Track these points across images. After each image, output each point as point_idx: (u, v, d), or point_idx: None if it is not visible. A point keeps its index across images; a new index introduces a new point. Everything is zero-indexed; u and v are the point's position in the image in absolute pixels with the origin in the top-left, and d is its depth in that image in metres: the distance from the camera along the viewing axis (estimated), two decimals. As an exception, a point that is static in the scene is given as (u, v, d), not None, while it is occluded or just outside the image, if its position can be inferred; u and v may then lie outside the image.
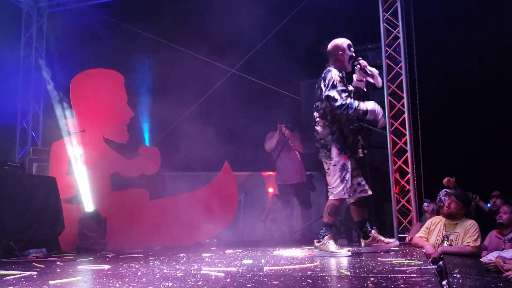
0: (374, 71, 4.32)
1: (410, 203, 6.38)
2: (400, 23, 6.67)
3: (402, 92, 6.60)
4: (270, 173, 7.76)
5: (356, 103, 4.13)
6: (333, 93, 4.16)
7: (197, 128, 6.83)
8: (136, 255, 4.61)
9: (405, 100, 6.57)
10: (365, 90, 4.49)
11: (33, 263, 3.89)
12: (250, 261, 3.75)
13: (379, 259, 3.79)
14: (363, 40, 7.33)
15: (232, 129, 7.31)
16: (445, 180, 5.56)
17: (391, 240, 4.59)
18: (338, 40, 4.45)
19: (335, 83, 4.19)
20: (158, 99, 7.43)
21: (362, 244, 4.55)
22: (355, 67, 4.36)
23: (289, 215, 6.93)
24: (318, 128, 4.34)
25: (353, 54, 4.39)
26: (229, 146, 6.99)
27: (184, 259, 4.10)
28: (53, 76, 8.02)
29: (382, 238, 4.53)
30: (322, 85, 4.29)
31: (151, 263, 3.78)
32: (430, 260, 3.98)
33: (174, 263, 3.73)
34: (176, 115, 7.92)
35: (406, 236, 5.80)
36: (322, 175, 6.32)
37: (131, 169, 6.69)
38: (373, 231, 4.52)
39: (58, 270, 3.48)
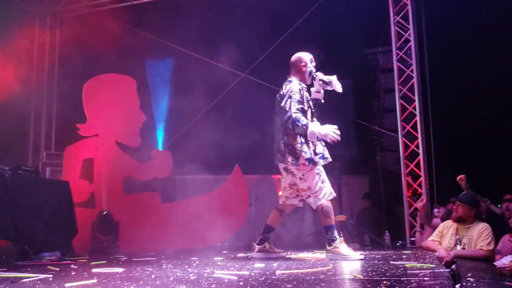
0: (331, 77, 4.41)
1: (422, 206, 6.33)
2: (411, 26, 6.66)
3: (414, 95, 6.58)
4: (280, 176, 7.74)
5: (304, 121, 4.18)
6: (288, 104, 4.25)
7: (208, 131, 6.85)
8: (149, 258, 4.64)
9: (416, 103, 6.55)
10: (323, 101, 4.54)
11: (48, 266, 3.93)
12: (262, 265, 3.76)
13: (391, 262, 3.78)
14: (374, 44, 7.34)
15: (243, 132, 7.33)
16: (458, 178, 5.53)
17: (281, 251, 4.68)
18: (301, 53, 4.59)
19: (291, 94, 4.28)
20: (170, 103, 7.48)
21: (255, 249, 4.56)
22: (314, 80, 4.45)
23: (300, 219, 6.92)
24: (285, 137, 4.35)
25: (314, 69, 4.50)
26: (239, 149, 7.00)
27: (197, 262, 4.12)
28: (66, 81, 8.13)
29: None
30: (282, 92, 4.38)
31: (164, 266, 3.80)
32: (443, 263, 3.96)
33: (186, 266, 3.75)
34: (187, 119, 7.96)
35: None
36: (333, 178, 6.31)
37: (143, 173, 6.74)
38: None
39: (72, 273, 3.51)
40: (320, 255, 4.61)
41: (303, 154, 4.24)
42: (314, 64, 4.55)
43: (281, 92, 4.38)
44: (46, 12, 8.58)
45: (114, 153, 6.54)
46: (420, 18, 6.81)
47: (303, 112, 4.26)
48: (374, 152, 7.97)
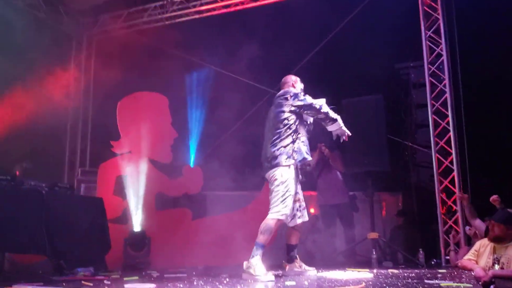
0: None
1: (457, 224, 6.18)
2: (443, 41, 6.58)
3: (447, 110, 6.46)
4: (312, 193, 7.71)
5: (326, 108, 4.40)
6: (307, 99, 4.36)
7: (238, 148, 6.89)
8: (180, 275, 4.67)
9: (450, 118, 6.43)
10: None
11: (82, 282, 3.99)
12: (293, 283, 3.73)
13: (426, 281, 3.68)
14: (405, 58, 7.27)
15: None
16: (491, 198, 5.37)
17: (311, 268, 4.58)
18: (290, 75, 4.75)
19: (294, 93, 4.42)
20: (203, 119, 7.58)
21: (286, 267, 4.63)
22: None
23: (332, 236, 6.83)
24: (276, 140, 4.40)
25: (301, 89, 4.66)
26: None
27: (227, 279, 4.12)
28: (101, 99, 8.36)
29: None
30: (283, 100, 4.41)
31: (195, 283, 3.81)
32: (481, 283, 3.83)
33: (217, 283, 3.75)
34: (218, 135, 8.04)
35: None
36: (365, 195, 6.23)
37: (174, 189, 6.82)
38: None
39: (105, 289, 3.56)
40: (352, 273, 4.53)
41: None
42: (303, 86, 4.73)
43: (277, 101, 4.46)
44: (82, 33, 8.88)
45: (146, 169, 6.64)
46: (452, 32, 6.72)
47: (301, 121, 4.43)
48: (407, 169, 7.84)
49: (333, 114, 4.39)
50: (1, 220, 4.28)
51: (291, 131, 4.33)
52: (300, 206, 4.46)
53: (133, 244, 6.02)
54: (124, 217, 6.56)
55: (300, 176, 4.46)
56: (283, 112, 4.36)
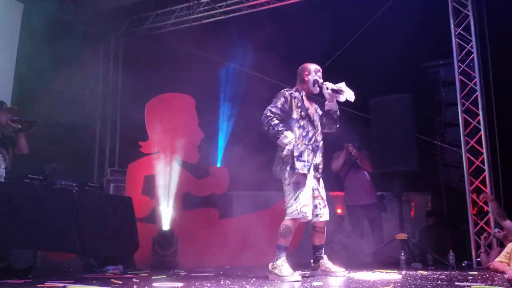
0: (340, 84, 4.28)
1: (489, 225, 6.04)
2: (473, 38, 6.43)
3: (478, 109, 6.32)
4: (339, 193, 7.65)
5: (279, 126, 4.12)
6: (268, 110, 4.22)
7: (265, 147, 6.89)
8: (207, 274, 4.70)
9: (481, 117, 6.28)
10: (338, 113, 4.44)
11: (111, 280, 4.06)
12: (320, 283, 3.71)
13: (457, 283, 3.61)
14: (435, 57, 7.14)
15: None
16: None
17: (340, 269, 4.43)
18: (307, 63, 4.51)
19: (274, 99, 4.28)
20: (229, 120, 7.62)
21: (312, 267, 4.54)
22: (322, 90, 4.33)
23: (359, 236, 6.76)
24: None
25: (319, 79, 4.38)
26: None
27: (254, 279, 4.12)
28: (129, 100, 8.49)
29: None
30: None
31: (222, 282, 3.83)
32: (514, 286, 3.74)
33: (244, 283, 3.76)
34: (244, 135, 8.06)
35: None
36: (394, 195, 6.15)
37: (201, 189, 6.89)
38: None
39: (134, 287, 3.61)
40: (380, 274, 4.48)
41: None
42: (320, 74, 4.44)
43: None
44: (110, 35, 9.03)
45: (173, 170, 6.72)
46: (482, 29, 6.57)
47: (284, 119, 4.20)
48: (436, 168, 7.69)
49: (275, 132, 4.13)
50: (33, 219, 4.40)
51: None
52: (319, 204, 4.30)
53: (161, 243, 6.10)
54: (152, 217, 6.65)
55: (314, 172, 4.27)
56: None
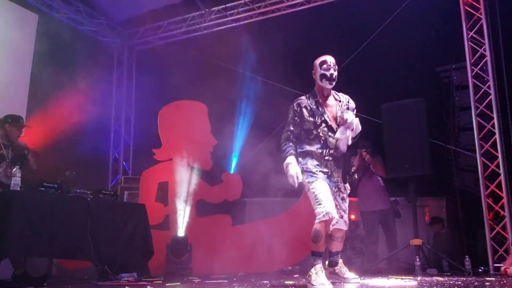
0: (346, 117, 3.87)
1: (505, 230, 5.96)
2: (486, 41, 6.38)
3: (492, 113, 6.26)
4: (352, 199, 7.61)
5: (285, 147, 3.97)
6: (287, 126, 4.08)
7: (277, 153, 6.90)
8: (221, 281, 4.70)
9: (495, 121, 6.22)
10: (351, 140, 3.98)
11: (126, 287, 4.09)
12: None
13: (473, 290, 3.57)
14: (447, 61, 7.09)
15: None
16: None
17: (354, 276, 4.32)
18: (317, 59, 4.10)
19: (288, 120, 4.09)
20: (243, 126, 7.64)
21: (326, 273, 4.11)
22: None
23: (373, 242, 6.72)
24: None
25: (326, 72, 3.94)
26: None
27: (268, 286, 4.11)
28: (143, 108, 8.57)
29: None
30: None
31: (236, 289, 3.83)
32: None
33: (258, 290, 3.76)
34: (256, 141, 8.07)
35: (501, 266, 5.41)
36: (408, 201, 6.10)
37: (214, 196, 6.91)
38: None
39: (149, 294, 3.63)
40: (395, 280, 4.44)
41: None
42: (325, 66, 3.96)
43: None
44: (123, 45, 9.14)
45: (187, 177, 6.75)
46: (495, 32, 6.51)
47: (300, 133, 4.01)
48: (451, 173, 7.63)
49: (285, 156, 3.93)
50: (48, 227, 4.44)
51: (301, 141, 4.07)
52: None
53: (175, 250, 6.11)
54: (166, 224, 6.68)
55: (334, 183, 4.00)
56: None
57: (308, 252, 6.47)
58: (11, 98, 6.79)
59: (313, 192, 3.83)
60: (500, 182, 6.08)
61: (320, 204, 3.76)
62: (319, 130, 3.94)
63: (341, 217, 4.03)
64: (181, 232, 6.43)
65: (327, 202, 3.76)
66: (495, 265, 5.81)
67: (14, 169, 4.51)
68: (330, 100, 4.07)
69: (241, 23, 8.31)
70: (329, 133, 3.93)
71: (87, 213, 4.80)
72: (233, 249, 6.36)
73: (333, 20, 7.31)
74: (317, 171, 3.90)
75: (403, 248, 6.11)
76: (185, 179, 6.69)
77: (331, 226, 3.99)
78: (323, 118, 3.95)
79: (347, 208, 4.12)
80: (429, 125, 6.20)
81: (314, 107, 3.99)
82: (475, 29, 6.49)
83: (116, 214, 5.26)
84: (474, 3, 6.53)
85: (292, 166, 3.85)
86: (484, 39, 6.41)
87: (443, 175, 7.51)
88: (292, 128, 4.01)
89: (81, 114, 7.19)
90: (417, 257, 5.65)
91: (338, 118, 3.93)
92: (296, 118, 4.02)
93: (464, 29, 6.54)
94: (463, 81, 6.84)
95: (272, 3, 7.97)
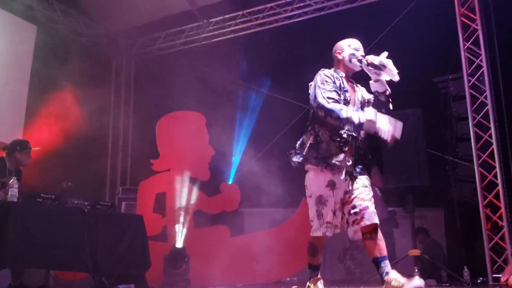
0: (385, 62, 3.39)
1: (504, 240, 5.95)
2: (482, 52, 6.42)
3: (489, 123, 6.28)
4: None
5: (343, 110, 3.25)
6: (314, 93, 3.40)
7: (275, 163, 6.90)
8: (218, 292, 4.68)
9: (492, 131, 6.23)
10: (387, 93, 3.51)
11: (123, 298, 4.07)
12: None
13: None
14: (443, 71, 7.12)
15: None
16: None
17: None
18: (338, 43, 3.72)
19: (318, 83, 3.40)
20: (241, 137, 7.65)
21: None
22: (362, 65, 3.50)
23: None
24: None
25: (356, 52, 3.57)
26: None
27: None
28: (141, 119, 8.58)
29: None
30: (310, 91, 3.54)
31: (233, 301, 3.81)
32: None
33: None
34: (254, 151, 8.08)
35: (499, 276, 5.39)
36: (406, 211, 6.09)
37: (212, 206, 6.90)
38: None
39: (146, 306, 3.61)
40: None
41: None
42: (356, 47, 3.62)
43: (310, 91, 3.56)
44: (122, 55, 9.17)
45: (185, 187, 6.75)
46: (491, 42, 6.55)
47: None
48: (449, 183, 7.62)
49: (350, 116, 3.26)
50: (46, 238, 4.42)
51: (310, 127, 3.49)
52: (353, 208, 3.36)
53: (172, 261, 6.08)
54: (163, 235, 6.66)
55: (347, 175, 3.41)
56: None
57: (306, 264, 6.48)
58: (8, 108, 6.80)
59: (316, 203, 3.41)
60: (498, 192, 6.08)
61: (320, 218, 3.39)
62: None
63: (366, 208, 3.32)
64: (178, 243, 6.40)
65: (327, 218, 3.34)
66: (494, 275, 5.79)
67: (12, 180, 4.50)
68: (350, 84, 3.61)
69: (239, 34, 8.35)
70: None
71: (84, 224, 4.78)
72: (231, 260, 6.34)
73: (330, 32, 7.33)
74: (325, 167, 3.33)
75: (401, 258, 6.10)
76: (183, 190, 6.68)
77: (356, 225, 3.34)
78: (347, 99, 3.42)
79: (371, 197, 3.45)
80: (426, 135, 6.22)
81: (339, 82, 3.47)
82: (471, 40, 6.53)
83: (113, 225, 5.24)
84: (470, 14, 6.58)
85: (380, 115, 3.27)
86: (480, 50, 6.45)
87: (441, 185, 7.50)
88: (335, 97, 3.34)
89: (79, 125, 7.18)
90: (415, 267, 5.64)
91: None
92: (334, 85, 3.41)
93: (461, 40, 6.58)
94: (460, 92, 6.85)
95: (270, 15, 8.02)
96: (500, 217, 6.02)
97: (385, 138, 3.22)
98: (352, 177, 3.44)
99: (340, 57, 3.62)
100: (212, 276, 6.10)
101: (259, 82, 8.21)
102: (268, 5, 7.94)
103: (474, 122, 6.37)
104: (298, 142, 3.50)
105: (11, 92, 6.94)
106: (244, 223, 7.63)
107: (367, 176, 3.52)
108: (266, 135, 7.91)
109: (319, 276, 3.59)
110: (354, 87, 3.60)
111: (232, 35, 8.39)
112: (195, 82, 7.57)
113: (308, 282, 3.58)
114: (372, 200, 3.43)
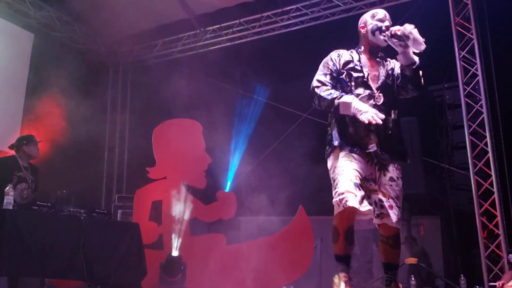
0: (408, 30, 2.96)
1: (500, 248, 5.95)
2: (477, 61, 6.47)
3: (484, 131, 6.31)
4: (347, 217, 7.58)
5: (325, 91, 3.07)
6: (316, 78, 3.19)
7: (272, 171, 6.90)
8: (215, 301, 4.66)
9: (488, 139, 6.26)
10: (414, 66, 3.09)
11: (119, 307, 4.04)
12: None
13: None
14: (439, 80, 7.16)
15: (307, 172, 7.31)
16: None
17: None
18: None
19: (320, 67, 3.24)
20: (238, 145, 7.65)
21: None
22: (387, 39, 3.09)
23: (368, 262, 6.69)
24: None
25: (380, 23, 3.17)
26: (303, 190, 6.97)
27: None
28: (137, 126, 8.57)
29: None
30: None
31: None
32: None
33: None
34: (251, 159, 8.08)
35: (496, 285, 5.39)
36: (402, 219, 6.09)
37: (209, 214, 6.88)
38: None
39: (142, 314, 3.59)
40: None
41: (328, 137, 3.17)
42: (380, 17, 3.21)
43: None
44: (118, 63, 9.18)
45: (181, 195, 6.73)
46: (487, 51, 6.60)
47: (336, 86, 3.13)
48: (445, 191, 7.65)
49: (328, 101, 3.04)
50: (41, 246, 4.39)
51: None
52: (380, 201, 3.02)
53: (169, 269, 6.05)
54: (159, 243, 6.63)
55: (369, 157, 3.05)
56: None
57: (302, 272, 6.48)
58: (5, 115, 6.78)
59: (334, 175, 3.02)
60: (494, 200, 6.10)
61: (336, 190, 2.92)
62: (355, 90, 3.09)
63: (390, 207, 3.01)
64: (175, 252, 6.37)
65: (344, 187, 2.86)
66: (490, 283, 5.79)
67: (7, 187, 4.47)
68: (374, 62, 3.23)
69: (236, 42, 8.38)
70: (366, 98, 3.06)
71: (80, 232, 4.74)
72: (227, 268, 6.31)
73: (327, 41, 7.38)
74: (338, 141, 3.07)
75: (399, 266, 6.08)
76: (179, 198, 6.66)
77: (378, 219, 3.04)
78: (362, 79, 3.12)
79: (400, 194, 3.07)
80: (422, 143, 6.24)
81: (357, 63, 3.18)
82: (466, 48, 6.58)
83: (109, 233, 5.20)
84: (465, 24, 6.63)
85: (356, 100, 2.98)
86: (475, 59, 6.50)
87: (437, 193, 7.53)
88: (327, 80, 3.14)
89: (75, 132, 7.17)
90: (412, 276, 5.63)
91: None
92: (333, 68, 3.18)
93: (456, 49, 6.63)
94: (456, 100, 6.91)
95: (267, 23, 8.06)
96: (496, 226, 6.03)
97: (362, 119, 2.88)
98: (380, 166, 3.06)
99: (363, 31, 3.25)
100: (208, 284, 6.07)
101: (256, 90, 8.23)
102: (265, 14, 7.98)
103: (470, 130, 6.40)
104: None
105: (8, 99, 6.93)
106: (241, 232, 7.60)
107: (397, 166, 3.11)
108: (263, 143, 7.92)
109: (344, 273, 2.94)
110: (380, 62, 3.21)
111: (229, 44, 8.43)
112: (192, 89, 7.58)
113: (334, 278, 3.01)
114: (400, 197, 3.06)
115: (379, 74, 3.17)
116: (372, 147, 3.00)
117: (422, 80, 3.17)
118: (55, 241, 4.52)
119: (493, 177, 6.14)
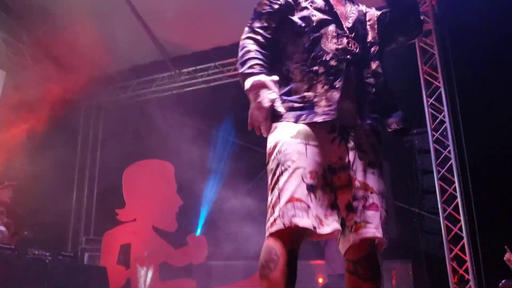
0: None
1: (471, 293, 5.97)
2: (445, 108, 6.67)
3: (453, 177, 6.44)
4: (319, 262, 7.54)
5: (251, 61, 2.20)
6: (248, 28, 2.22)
7: (246, 213, 6.85)
8: None
9: (456, 185, 6.39)
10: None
11: None
12: None
13: None
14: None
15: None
16: (505, 257, 5.17)
17: None
18: None
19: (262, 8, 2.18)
20: (207, 187, 7.59)
21: None
22: None
23: None
24: None
25: None
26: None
27: None
28: (107, 167, 8.42)
29: None
30: None
31: None
32: None
33: None
34: (224, 201, 8.01)
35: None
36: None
37: (179, 258, 6.72)
38: None
39: None
40: None
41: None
42: None
43: None
44: (92, 101, 9.11)
45: (150, 238, 6.59)
46: (453, 98, 6.84)
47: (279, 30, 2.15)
48: (416, 236, 7.71)
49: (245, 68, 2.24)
50: (2, 292, 4.20)
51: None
52: (357, 201, 2.05)
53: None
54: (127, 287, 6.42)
55: (341, 133, 2.08)
56: None
57: None
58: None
59: (273, 171, 2.04)
60: (463, 245, 6.16)
61: (276, 197, 1.98)
62: (312, 33, 2.09)
63: (375, 207, 2.09)
64: (143, 297, 6.18)
65: (289, 192, 1.92)
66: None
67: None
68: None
69: (212, 84, 8.44)
70: (334, 40, 2.08)
71: (45, 275, 4.58)
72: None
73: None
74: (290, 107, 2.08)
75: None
76: (149, 241, 6.51)
77: (354, 233, 2.05)
78: (325, 15, 2.13)
79: (381, 189, 2.12)
80: (393, 188, 6.32)
81: None
82: (434, 96, 6.80)
83: (75, 277, 5.05)
84: (433, 73, 6.88)
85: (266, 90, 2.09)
86: (443, 106, 6.71)
87: (408, 237, 7.58)
88: (264, 25, 2.15)
89: (43, 170, 6.99)
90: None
91: None
92: (274, 5, 2.15)
93: (424, 96, 6.84)
94: (425, 145, 7.06)
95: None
96: (466, 271, 6.07)
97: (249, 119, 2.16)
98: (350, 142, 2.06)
99: None
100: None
101: (230, 131, 8.27)
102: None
103: (439, 175, 6.52)
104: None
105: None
106: (212, 277, 7.43)
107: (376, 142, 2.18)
108: (236, 184, 7.88)
109: None
110: (347, 3, 2.22)
111: (204, 86, 8.48)
112: (165, 130, 7.56)
113: None
114: (383, 199, 2.09)
115: (346, 12, 2.19)
116: (349, 117, 2.06)
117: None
118: (19, 286, 4.33)
119: (462, 222, 6.22)
